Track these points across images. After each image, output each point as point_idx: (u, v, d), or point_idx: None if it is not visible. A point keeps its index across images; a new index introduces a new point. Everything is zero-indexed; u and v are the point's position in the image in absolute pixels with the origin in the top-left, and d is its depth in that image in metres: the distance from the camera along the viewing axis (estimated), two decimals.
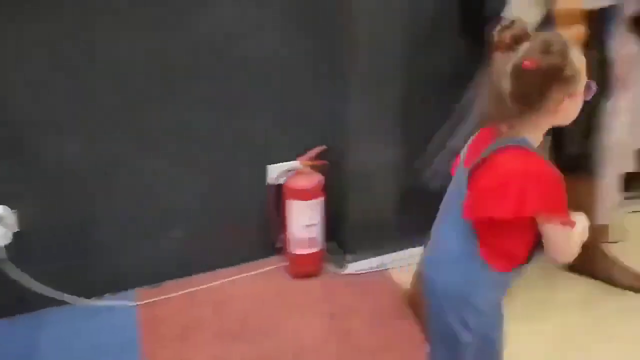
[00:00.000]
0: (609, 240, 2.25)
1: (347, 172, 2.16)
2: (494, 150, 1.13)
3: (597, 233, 2.06)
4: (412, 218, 2.02)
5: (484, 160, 1.14)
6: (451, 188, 1.27)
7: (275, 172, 2.14)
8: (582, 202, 1.88)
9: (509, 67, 1.06)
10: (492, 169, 1.13)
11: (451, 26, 1.99)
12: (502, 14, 1.43)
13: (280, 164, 2.14)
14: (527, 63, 1.04)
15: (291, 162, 2.12)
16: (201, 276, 2.18)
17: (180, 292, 2.11)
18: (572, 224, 1.13)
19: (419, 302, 1.91)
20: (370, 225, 2.23)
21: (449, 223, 1.23)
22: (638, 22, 1.70)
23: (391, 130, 2.13)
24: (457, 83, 1.79)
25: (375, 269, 2.26)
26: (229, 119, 2.06)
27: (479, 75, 1.65)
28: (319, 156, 2.12)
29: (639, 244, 2.41)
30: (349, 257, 2.26)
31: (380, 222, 2.24)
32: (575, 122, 1.82)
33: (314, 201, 2.08)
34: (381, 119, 2.11)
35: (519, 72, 1.05)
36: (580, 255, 2.14)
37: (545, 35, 1.10)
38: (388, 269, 2.26)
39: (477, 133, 1.25)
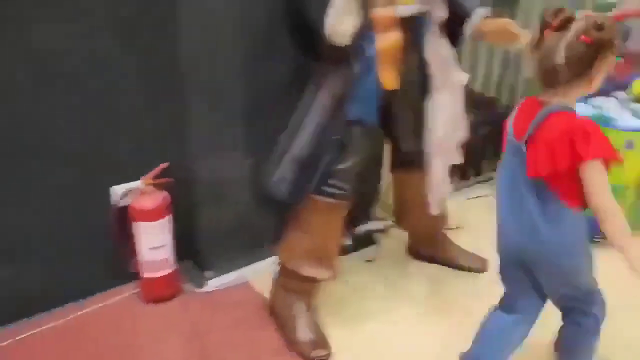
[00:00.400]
0: (449, 227, 2.45)
1: (195, 188, 2.11)
2: (546, 115, 1.37)
3: (437, 222, 2.24)
4: (267, 227, 2.05)
5: (539, 125, 1.37)
6: (510, 165, 1.47)
7: (119, 193, 2.03)
8: (416, 195, 2.07)
9: (563, 42, 1.30)
10: (551, 128, 1.36)
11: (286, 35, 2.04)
12: (324, 25, 1.48)
13: (124, 184, 2.04)
14: (584, 37, 1.29)
15: (134, 182, 2.04)
16: (50, 313, 2.02)
17: (25, 334, 1.93)
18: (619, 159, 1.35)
19: (281, 309, 1.94)
20: (226, 239, 2.20)
21: (527, 191, 1.42)
22: (447, 27, 1.87)
23: (237, 141, 2.11)
24: (296, 90, 1.83)
25: (236, 282, 2.24)
26: (66, 142, 1.92)
27: (311, 82, 1.71)
28: (162, 174, 2.05)
29: (477, 227, 2.65)
30: (208, 273, 2.21)
31: (235, 234, 2.21)
32: (406, 121, 2.00)
33: (160, 221, 2.00)
34: (225, 131, 2.08)
35: (574, 46, 1.30)
36: (426, 242, 2.37)
37: (595, 16, 1.34)
38: (249, 280, 2.26)
39: (517, 108, 1.49)
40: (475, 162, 3.03)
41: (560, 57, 1.32)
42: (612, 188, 1.38)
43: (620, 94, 2.62)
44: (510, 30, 1.83)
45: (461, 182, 2.98)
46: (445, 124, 1.84)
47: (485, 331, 1.64)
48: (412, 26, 1.71)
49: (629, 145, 2.24)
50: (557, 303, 1.60)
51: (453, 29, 1.88)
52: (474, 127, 2.90)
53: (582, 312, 1.57)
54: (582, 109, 2.41)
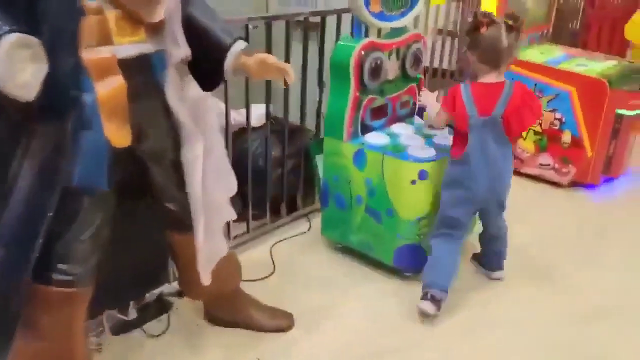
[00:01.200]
0: (251, 279, 2.21)
1: None
2: (512, 89, 2.07)
3: (229, 280, 1.97)
4: None
5: (510, 98, 2.06)
6: (478, 136, 2.08)
7: None
8: (186, 257, 1.75)
9: (503, 32, 2.00)
10: (515, 97, 2.06)
11: None
12: None
13: None
14: (513, 26, 2.02)
15: None
16: None
17: None
18: None
19: None
20: None
21: (496, 146, 2.11)
22: (201, 65, 1.63)
23: None
24: None
25: None
26: None
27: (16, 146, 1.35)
28: None
29: (290, 272, 2.45)
30: None
31: None
32: (163, 178, 1.65)
33: None
34: None
35: (508, 33, 2.01)
36: (221, 306, 2.08)
37: (508, 13, 2.13)
38: None
39: (470, 94, 2.08)
40: (288, 198, 2.84)
41: (504, 43, 2.00)
42: (407, 223, 2.26)
43: (417, 119, 2.59)
44: (273, 65, 1.64)
45: (274, 222, 2.77)
46: (207, 178, 1.58)
47: (436, 259, 2.20)
48: (144, 68, 1.43)
49: (423, 175, 2.15)
50: (495, 218, 2.29)
51: (209, 67, 1.64)
52: (281, 161, 2.80)
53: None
54: (377, 139, 2.32)
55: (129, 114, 1.39)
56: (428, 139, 2.35)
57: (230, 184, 1.67)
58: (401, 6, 2.37)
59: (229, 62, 1.62)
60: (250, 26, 2.31)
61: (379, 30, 2.39)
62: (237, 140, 2.66)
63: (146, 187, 1.63)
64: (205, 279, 1.65)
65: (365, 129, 2.40)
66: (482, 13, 2.06)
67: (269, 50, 2.47)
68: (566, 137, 3.21)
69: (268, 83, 2.53)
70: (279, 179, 2.74)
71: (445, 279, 2.15)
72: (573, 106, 3.16)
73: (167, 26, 1.45)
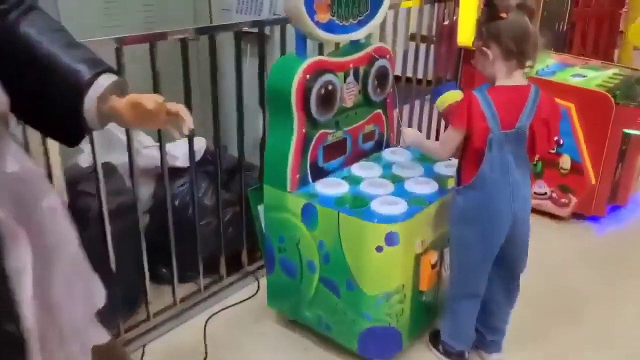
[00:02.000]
0: None
1: None
2: (538, 96, 1.62)
3: None
4: None
5: (536, 107, 1.61)
6: (498, 155, 1.59)
7: None
8: None
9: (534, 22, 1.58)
10: (542, 107, 1.62)
11: None
12: None
13: None
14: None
15: None
16: None
17: None
18: None
19: None
20: None
21: (517, 169, 1.63)
22: (41, 115, 1.08)
23: None
24: None
25: None
26: None
27: None
28: None
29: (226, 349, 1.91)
30: None
31: None
32: None
33: None
34: None
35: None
36: None
37: None
38: None
39: (488, 99, 1.58)
40: (229, 255, 2.27)
41: (531, 29, 1.56)
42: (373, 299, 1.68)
43: (387, 154, 2.05)
44: (156, 109, 1.11)
45: (211, 287, 2.21)
46: (53, 292, 1.03)
47: (460, 320, 1.82)
48: None
49: (392, 239, 1.61)
50: (519, 268, 1.80)
51: (61, 114, 1.09)
52: (216, 210, 2.22)
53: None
54: (331, 187, 1.78)
55: None
56: (397, 183, 1.83)
57: (93, 296, 1.11)
58: (359, 13, 1.83)
59: (89, 106, 1.08)
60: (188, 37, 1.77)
61: (337, 45, 1.87)
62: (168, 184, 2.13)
63: None
64: None
65: (318, 173, 1.85)
66: None
67: (213, 67, 1.96)
68: (565, 162, 2.71)
69: (205, 104, 1.98)
70: (215, 231, 2.18)
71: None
72: (572, 126, 2.65)
73: None
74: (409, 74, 2.96)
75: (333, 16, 1.74)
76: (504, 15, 1.55)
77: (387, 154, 2.05)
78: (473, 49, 1.65)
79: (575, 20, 5.50)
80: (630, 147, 2.70)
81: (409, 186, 1.80)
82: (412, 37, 3.25)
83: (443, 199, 1.78)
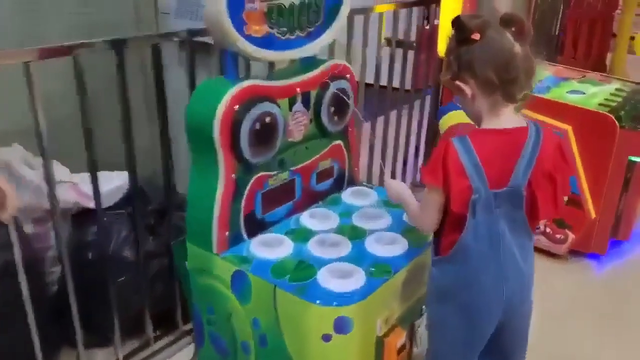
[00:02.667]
0: None
1: None
2: (539, 141, 1.19)
3: None
4: None
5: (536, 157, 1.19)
6: (486, 224, 1.19)
7: None
8: None
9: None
10: (546, 155, 1.20)
11: None
12: None
13: None
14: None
15: None
16: None
17: None
18: None
19: None
20: None
21: (511, 236, 1.22)
22: None
23: None
24: None
25: None
26: None
27: None
28: None
29: None
30: None
31: None
32: None
33: None
34: None
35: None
36: None
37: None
38: None
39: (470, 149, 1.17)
40: (159, 314, 1.86)
41: (517, 50, 1.17)
42: None
43: (347, 196, 1.65)
44: None
45: (133, 355, 1.80)
46: None
47: None
48: None
49: (343, 326, 1.22)
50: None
51: None
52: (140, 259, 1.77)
53: None
54: (270, 247, 1.39)
55: None
56: (357, 240, 1.44)
57: None
58: (308, 23, 1.44)
59: None
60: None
61: (272, 65, 1.48)
62: (81, 229, 1.73)
63: None
64: None
65: (256, 227, 1.45)
66: (467, 16, 1.19)
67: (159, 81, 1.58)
68: None
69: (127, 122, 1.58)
70: (139, 286, 1.78)
71: None
72: (570, 152, 2.29)
73: None
74: (383, 82, 2.58)
75: (272, 28, 1.34)
76: (476, 36, 1.15)
77: (348, 196, 1.66)
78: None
79: (566, 23, 5.18)
80: (635, 175, 2.34)
81: (371, 246, 1.40)
82: (389, 42, 2.87)
83: (415, 261, 1.40)
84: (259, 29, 1.31)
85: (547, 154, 1.20)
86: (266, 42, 1.34)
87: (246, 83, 1.32)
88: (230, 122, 1.29)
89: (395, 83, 2.66)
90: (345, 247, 1.39)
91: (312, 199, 1.61)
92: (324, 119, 1.54)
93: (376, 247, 1.39)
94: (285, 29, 1.37)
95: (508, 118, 1.20)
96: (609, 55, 5.67)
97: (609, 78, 2.74)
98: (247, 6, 1.26)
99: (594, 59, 5.75)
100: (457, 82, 1.19)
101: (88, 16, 2.26)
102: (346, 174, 1.72)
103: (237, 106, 1.29)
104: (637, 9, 5.61)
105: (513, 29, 1.17)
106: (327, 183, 1.66)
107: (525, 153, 1.19)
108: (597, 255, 2.44)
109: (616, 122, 2.20)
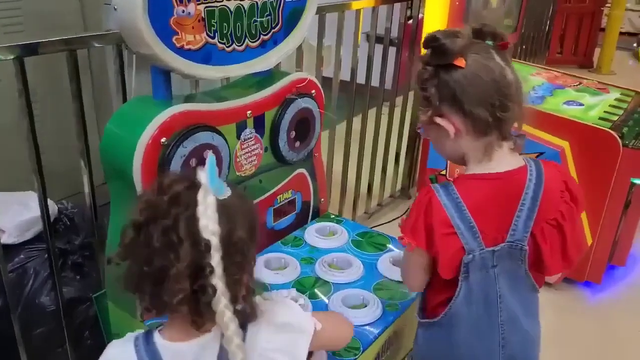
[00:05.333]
0: None
1: None
2: (540, 182, 0.96)
3: None
4: None
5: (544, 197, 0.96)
6: (481, 272, 0.96)
7: None
8: None
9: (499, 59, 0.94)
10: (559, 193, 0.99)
11: None
12: None
13: None
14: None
15: None
16: None
17: None
18: None
19: None
20: None
21: (511, 295, 1.00)
22: None
23: None
24: None
25: None
26: None
27: None
28: None
29: None
30: None
31: None
32: None
33: None
34: None
35: None
36: None
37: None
38: None
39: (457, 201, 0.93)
40: None
41: (510, 76, 0.92)
42: None
43: (312, 233, 1.38)
44: None
45: None
46: None
47: None
48: None
49: None
50: None
51: None
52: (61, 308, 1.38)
53: None
54: None
55: None
56: (318, 300, 1.16)
57: None
58: (262, 30, 1.16)
59: None
60: None
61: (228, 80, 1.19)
62: None
63: None
64: None
65: None
66: (446, 34, 0.92)
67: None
68: None
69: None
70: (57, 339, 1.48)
71: None
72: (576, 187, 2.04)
73: None
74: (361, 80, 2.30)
75: (212, 37, 1.06)
76: (460, 62, 0.90)
77: (312, 234, 1.39)
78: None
79: (556, 18, 4.96)
80: (635, 198, 2.11)
81: (336, 310, 1.14)
82: (368, 38, 2.58)
83: (393, 326, 1.14)
84: (195, 40, 1.03)
85: (551, 198, 0.98)
86: (205, 55, 1.05)
87: (178, 108, 1.03)
88: (154, 160, 1.00)
89: (375, 82, 2.39)
90: (307, 305, 1.13)
91: (268, 239, 1.34)
92: (282, 146, 1.26)
93: (341, 312, 1.13)
94: (231, 38, 1.09)
95: (502, 159, 0.95)
96: (596, 51, 5.48)
97: (606, 86, 2.49)
98: (176, 10, 0.97)
99: (580, 55, 5.56)
100: (437, 119, 0.92)
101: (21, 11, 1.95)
102: (311, 206, 1.45)
103: (165, 139, 1.01)
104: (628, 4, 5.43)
105: (494, 43, 0.93)
106: (288, 219, 1.39)
107: (526, 200, 0.96)
108: (592, 284, 2.22)
109: (619, 141, 1.96)
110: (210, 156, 0.73)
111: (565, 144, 2.03)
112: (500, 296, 0.98)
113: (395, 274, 1.25)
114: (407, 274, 1.05)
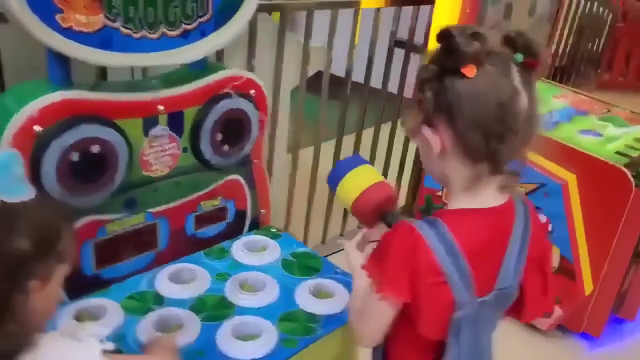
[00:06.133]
0: None
1: None
2: (529, 224, 0.85)
3: None
4: None
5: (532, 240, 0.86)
6: (471, 326, 0.80)
7: None
8: None
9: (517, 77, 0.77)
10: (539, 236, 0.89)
11: None
12: None
13: None
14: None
15: None
16: None
17: None
18: None
19: None
20: None
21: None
22: None
23: None
24: None
25: None
26: None
27: None
28: None
29: None
30: None
31: None
32: None
33: None
34: None
35: None
36: None
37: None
38: None
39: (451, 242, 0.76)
40: None
41: (523, 103, 0.74)
42: None
43: (238, 250, 1.24)
44: None
45: None
46: None
47: None
48: None
49: None
50: None
51: None
52: None
53: None
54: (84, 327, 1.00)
55: None
56: (211, 323, 1.02)
57: None
58: (184, 17, 1.05)
59: None
60: None
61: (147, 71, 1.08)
62: None
63: None
64: None
65: (86, 285, 1.06)
66: (462, 31, 0.73)
67: None
68: (552, 256, 1.88)
69: None
70: None
71: None
72: (567, 207, 1.81)
73: None
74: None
75: (113, 21, 0.96)
76: (469, 70, 0.72)
77: (239, 248, 1.26)
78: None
79: (619, 38, 4.59)
80: None
81: (223, 338, 1.00)
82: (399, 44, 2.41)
83: None
84: (89, 21, 0.92)
85: (536, 235, 0.86)
86: (102, 40, 0.95)
87: (61, 95, 0.93)
88: (28, 150, 0.91)
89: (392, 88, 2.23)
90: (190, 335, 1.01)
91: (189, 247, 1.23)
92: (205, 148, 1.15)
93: (227, 341, 1.00)
94: (139, 24, 0.99)
95: (490, 193, 0.79)
96: None
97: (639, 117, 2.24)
98: None
99: None
100: (426, 128, 0.76)
101: None
102: (248, 216, 1.33)
103: (40, 128, 0.91)
104: None
105: (524, 58, 0.74)
106: (216, 228, 1.28)
107: (515, 240, 0.83)
108: (590, 336, 1.99)
109: (632, 180, 1.72)
110: (4, 152, 0.62)
111: (571, 177, 1.81)
112: (485, 349, 0.85)
113: (313, 305, 1.11)
114: (366, 325, 0.84)
